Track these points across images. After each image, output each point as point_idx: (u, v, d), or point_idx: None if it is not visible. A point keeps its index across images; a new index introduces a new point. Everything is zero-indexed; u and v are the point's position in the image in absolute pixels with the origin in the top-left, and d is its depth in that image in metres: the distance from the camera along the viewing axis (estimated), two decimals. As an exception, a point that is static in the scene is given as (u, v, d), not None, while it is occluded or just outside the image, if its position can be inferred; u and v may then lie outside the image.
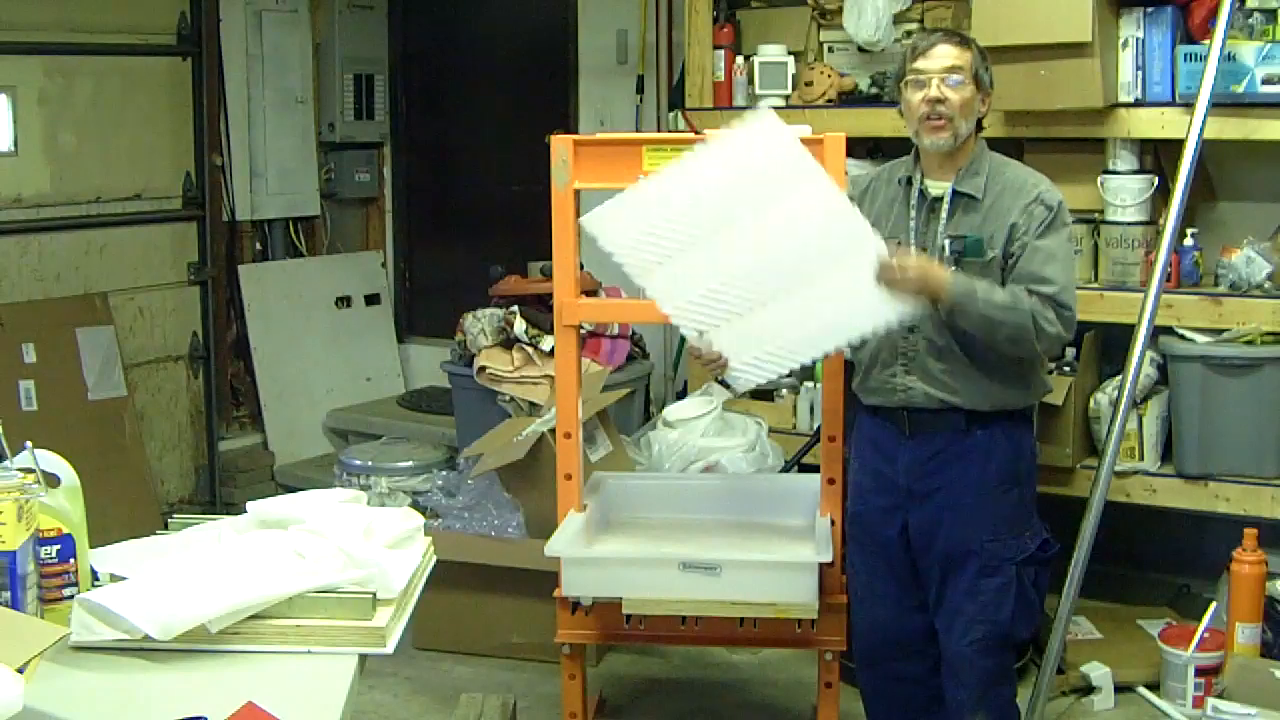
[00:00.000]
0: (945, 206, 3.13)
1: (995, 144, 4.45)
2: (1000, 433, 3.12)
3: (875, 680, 3.38)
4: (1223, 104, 3.82)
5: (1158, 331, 3.97)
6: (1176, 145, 3.86)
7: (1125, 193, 4.17)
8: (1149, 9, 4.05)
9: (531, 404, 4.66)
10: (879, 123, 4.46)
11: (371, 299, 6.54)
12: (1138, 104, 4.09)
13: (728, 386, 3.20)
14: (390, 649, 2.10)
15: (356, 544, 2.25)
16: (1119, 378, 3.90)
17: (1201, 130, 3.74)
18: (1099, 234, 4.23)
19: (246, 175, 6.08)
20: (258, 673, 2.01)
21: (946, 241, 3.09)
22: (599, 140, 3.59)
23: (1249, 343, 3.98)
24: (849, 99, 4.67)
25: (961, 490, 3.14)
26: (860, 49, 4.69)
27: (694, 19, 4.91)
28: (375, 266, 6.60)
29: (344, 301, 6.44)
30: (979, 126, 3.19)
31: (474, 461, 4.41)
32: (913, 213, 3.16)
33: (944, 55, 3.11)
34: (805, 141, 3.39)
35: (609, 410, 4.43)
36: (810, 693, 3.75)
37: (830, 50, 4.85)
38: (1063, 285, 3.02)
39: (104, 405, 5.28)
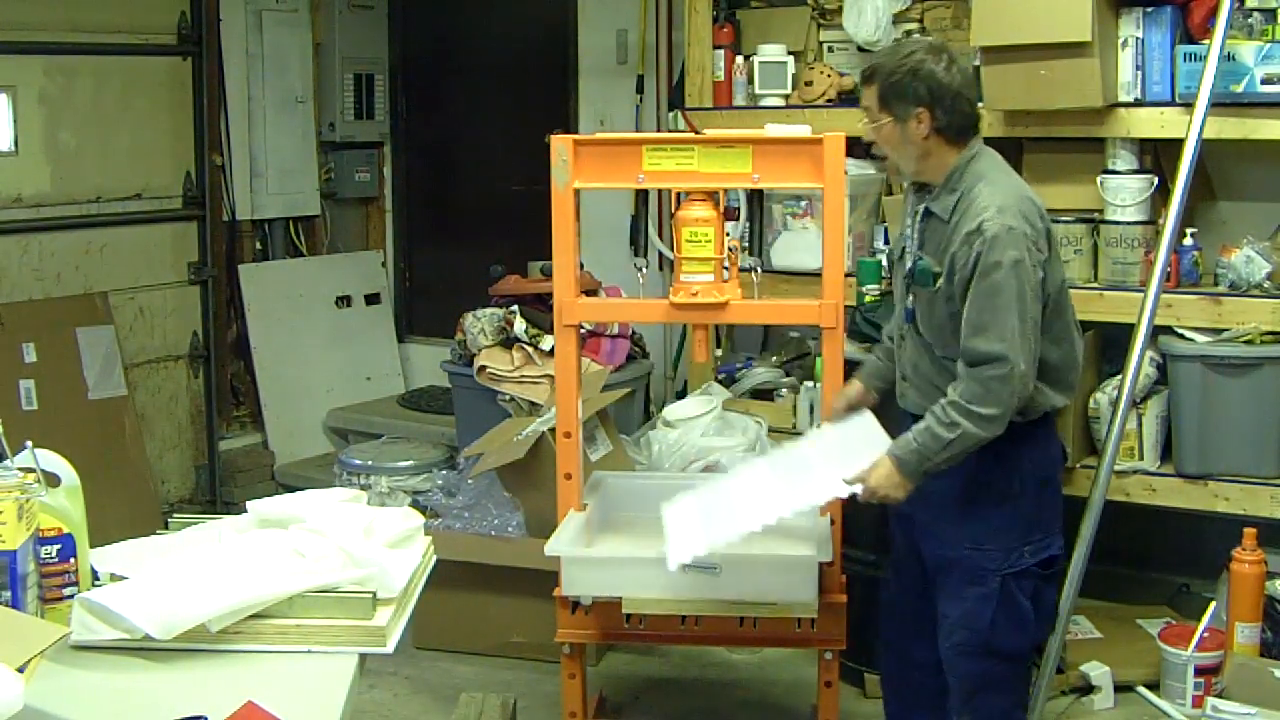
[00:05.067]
0: (917, 225, 3.11)
1: (996, 144, 4.48)
2: (989, 446, 2.99)
3: (891, 661, 3.41)
4: (1222, 104, 3.83)
5: (1157, 331, 3.97)
6: (1176, 145, 3.87)
7: (1125, 192, 4.17)
8: (1149, 9, 4.05)
9: (531, 403, 4.66)
10: (879, 123, 4.46)
11: (371, 299, 6.54)
12: (1137, 104, 4.09)
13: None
14: (390, 648, 2.11)
15: (356, 543, 2.26)
16: (1118, 377, 3.91)
17: (1201, 130, 3.75)
18: (1098, 234, 4.24)
19: (246, 175, 6.08)
20: (258, 672, 2.01)
21: (914, 262, 3.10)
22: (599, 140, 3.60)
23: (1248, 342, 3.98)
24: (849, 99, 4.67)
25: (943, 499, 3.09)
26: (860, 49, 4.70)
27: (694, 19, 4.91)
28: (375, 266, 6.60)
29: (344, 301, 6.44)
30: (966, 135, 3.07)
31: (474, 461, 4.42)
32: (907, 229, 3.17)
33: (861, 99, 3.13)
34: (805, 141, 3.41)
35: (609, 410, 4.43)
36: (810, 692, 3.75)
37: (830, 50, 4.86)
38: (1003, 339, 2.88)
39: (104, 405, 5.29)
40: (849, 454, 3.15)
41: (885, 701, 3.48)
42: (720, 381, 4.86)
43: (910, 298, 3.13)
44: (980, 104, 4.26)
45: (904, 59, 3.02)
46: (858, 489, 3.08)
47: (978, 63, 4.28)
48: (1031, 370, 2.92)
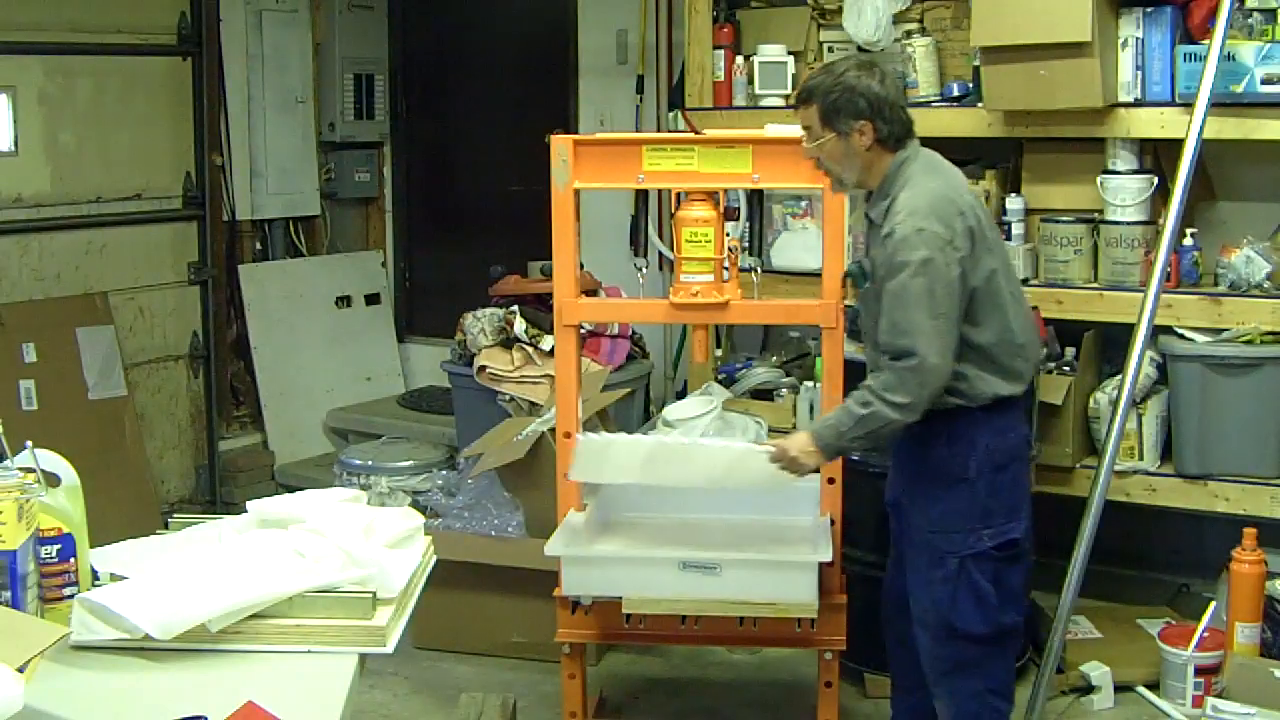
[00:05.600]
0: (864, 231, 3.23)
1: (995, 144, 4.50)
2: (942, 430, 3.11)
3: (888, 640, 3.46)
4: (1222, 104, 3.83)
5: (1157, 331, 3.97)
6: (1176, 145, 3.87)
7: (1125, 192, 4.18)
8: (1149, 9, 4.05)
9: (531, 404, 4.66)
10: (879, 122, 4.46)
11: (371, 299, 6.54)
12: (1137, 104, 4.09)
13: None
14: (390, 648, 2.11)
15: (356, 543, 2.26)
16: (1118, 377, 3.91)
17: (1201, 130, 3.75)
18: (1099, 234, 4.24)
19: (246, 175, 6.08)
20: (258, 672, 2.01)
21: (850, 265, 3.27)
22: (599, 140, 3.60)
23: (1248, 342, 3.99)
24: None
25: (910, 481, 3.24)
26: (860, 49, 4.69)
27: (694, 19, 4.91)
28: (375, 266, 6.60)
29: (344, 301, 6.44)
30: (903, 141, 3.14)
31: (474, 461, 4.41)
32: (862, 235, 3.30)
33: (799, 120, 3.20)
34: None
35: (609, 410, 4.43)
36: (810, 692, 3.75)
37: (830, 50, 4.85)
38: (910, 334, 2.98)
39: (104, 405, 5.29)
40: None
41: (891, 679, 3.56)
42: (720, 381, 4.86)
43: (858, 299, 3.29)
44: (980, 104, 4.30)
45: (839, 77, 3.13)
46: (772, 449, 3.23)
47: (977, 63, 4.29)
48: (944, 362, 3.01)
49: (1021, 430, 3.23)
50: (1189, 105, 3.83)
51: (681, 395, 5.04)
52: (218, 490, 5.84)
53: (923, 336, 2.98)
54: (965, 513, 3.13)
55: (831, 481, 3.54)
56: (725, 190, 3.63)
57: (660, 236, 4.90)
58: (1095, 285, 4.25)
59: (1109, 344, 4.34)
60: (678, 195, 3.62)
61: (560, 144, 3.49)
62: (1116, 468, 3.93)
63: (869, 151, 3.12)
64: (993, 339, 3.10)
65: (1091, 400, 4.27)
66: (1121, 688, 4.00)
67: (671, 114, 5.19)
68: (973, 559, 3.13)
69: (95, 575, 2.21)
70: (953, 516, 3.14)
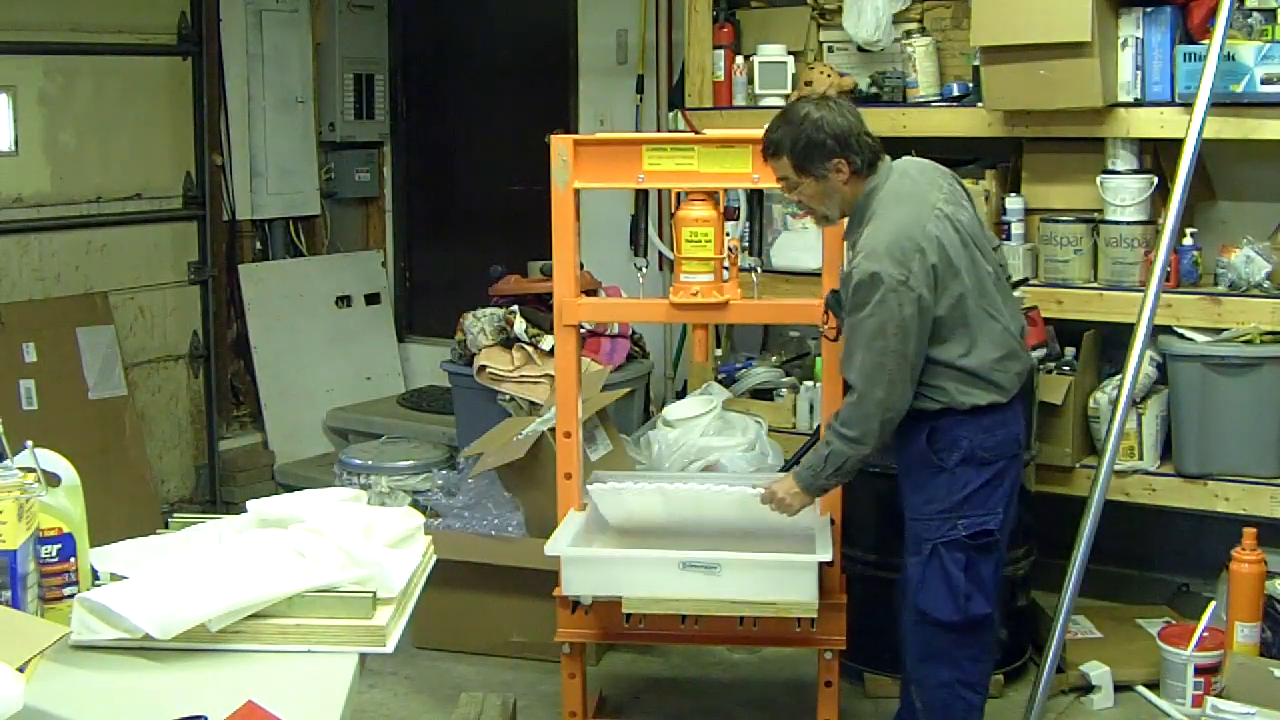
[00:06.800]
0: (849, 258, 3.26)
1: (995, 144, 4.50)
2: (920, 424, 3.19)
3: (899, 629, 3.48)
4: (1222, 104, 3.83)
5: (1157, 331, 3.97)
6: (1176, 145, 3.87)
7: (1125, 192, 4.18)
8: (1148, 9, 4.05)
9: (531, 403, 4.66)
10: (878, 123, 4.42)
11: (371, 299, 6.54)
12: (1137, 104, 4.09)
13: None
14: (390, 648, 2.11)
15: (356, 543, 2.26)
16: (1118, 377, 3.91)
17: (1201, 130, 3.75)
18: (1099, 234, 4.24)
19: (246, 175, 6.08)
20: (258, 672, 2.01)
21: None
22: (599, 140, 3.60)
23: (1248, 342, 3.99)
24: (848, 98, 4.67)
25: (900, 472, 3.35)
26: (860, 49, 4.70)
27: (694, 19, 4.91)
28: (375, 266, 6.60)
29: (344, 301, 6.44)
30: (875, 164, 3.19)
31: (474, 461, 4.41)
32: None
33: (774, 172, 3.25)
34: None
35: (609, 409, 4.43)
36: (810, 692, 3.75)
37: (830, 50, 4.86)
38: (856, 372, 3.11)
39: (104, 405, 5.29)
40: None
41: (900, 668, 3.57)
42: (720, 381, 4.86)
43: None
44: (980, 104, 4.31)
45: (800, 122, 3.15)
46: (762, 491, 3.39)
47: (977, 63, 4.29)
48: (891, 395, 3.09)
49: (1011, 430, 3.24)
50: (1189, 105, 3.83)
51: (681, 395, 5.04)
52: (218, 490, 5.84)
53: (867, 373, 3.08)
54: (943, 500, 3.21)
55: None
56: (725, 190, 3.63)
57: (660, 236, 4.90)
58: (1095, 285, 4.25)
59: (1109, 344, 4.34)
60: (678, 195, 3.62)
61: (560, 144, 3.49)
62: (1116, 468, 3.93)
63: (847, 185, 3.18)
64: (962, 353, 3.15)
65: (1091, 400, 4.27)
66: (1121, 687, 4.00)
67: (671, 114, 5.19)
68: (945, 545, 3.21)
69: (95, 575, 2.21)
70: (930, 503, 3.22)
